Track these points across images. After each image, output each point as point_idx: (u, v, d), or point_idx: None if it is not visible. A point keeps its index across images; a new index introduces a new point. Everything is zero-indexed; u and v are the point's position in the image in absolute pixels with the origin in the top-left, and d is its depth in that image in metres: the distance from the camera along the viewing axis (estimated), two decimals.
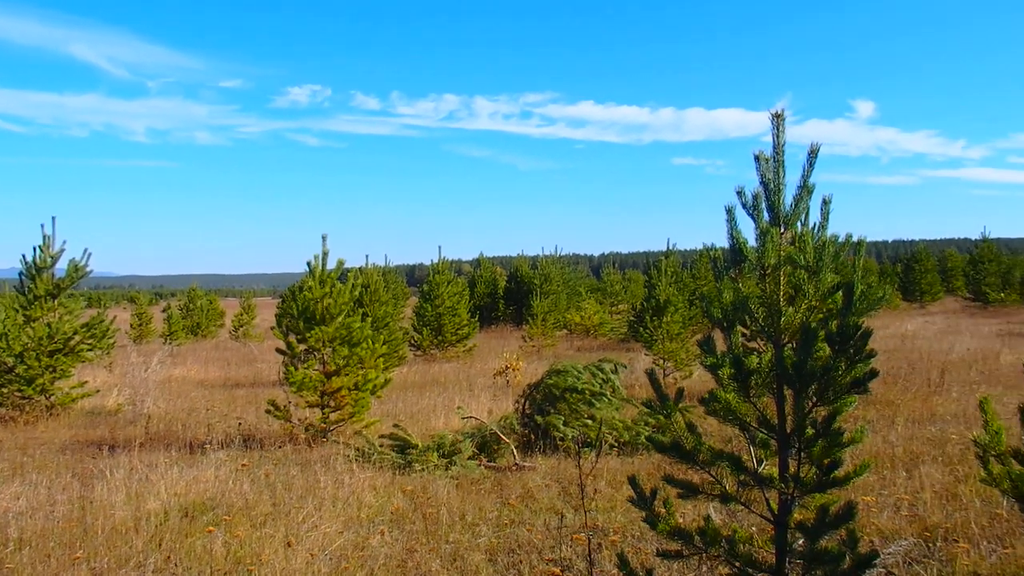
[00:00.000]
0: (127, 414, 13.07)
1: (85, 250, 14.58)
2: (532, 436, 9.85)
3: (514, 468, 8.73)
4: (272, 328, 11.61)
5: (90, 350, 14.50)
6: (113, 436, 11.27)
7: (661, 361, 16.12)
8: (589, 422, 9.66)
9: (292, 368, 10.66)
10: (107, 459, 9.25)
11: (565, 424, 9.65)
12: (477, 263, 40.45)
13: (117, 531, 6.36)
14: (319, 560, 5.76)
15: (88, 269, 14.62)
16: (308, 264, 11.14)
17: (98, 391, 14.47)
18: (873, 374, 3.44)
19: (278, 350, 11.39)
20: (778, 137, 3.58)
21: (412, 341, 23.12)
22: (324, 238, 11.26)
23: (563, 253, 38.83)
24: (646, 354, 17.37)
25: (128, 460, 8.94)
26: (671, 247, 27.02)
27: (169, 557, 5.82)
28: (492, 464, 8.98)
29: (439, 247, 24.24)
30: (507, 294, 37.19)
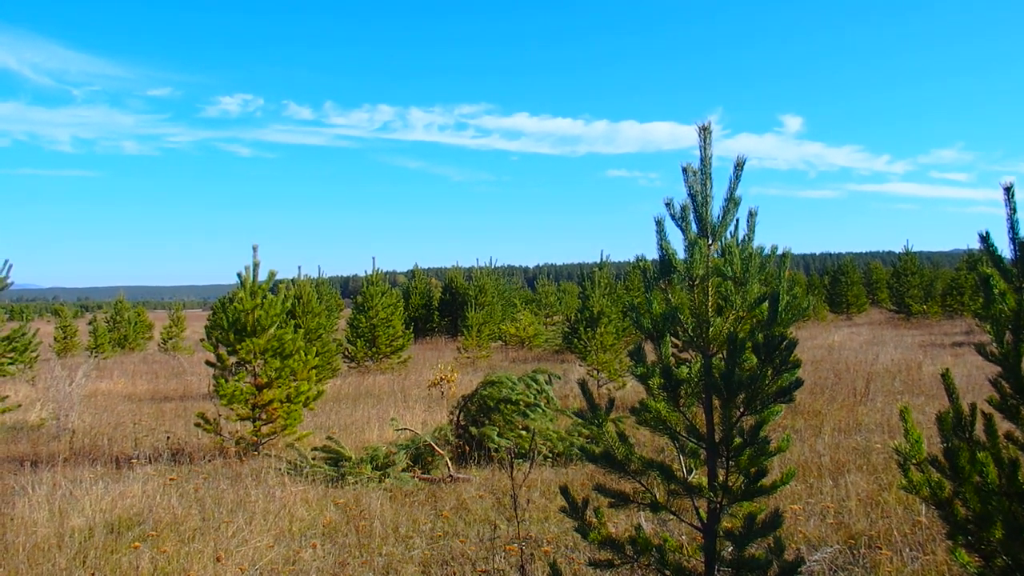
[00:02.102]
0: (50, 429, 12.69)
1: (6, 262, 14.09)
2: (467, 447, 9.83)
3: (448, 480, 8.70)
4: (202, 340, 11.39)
5: (11, 364, 14.06)
6: (36, 452, 10.93)
7: (595, 372, 16.24)
8: (523, 433, 9.68)
9: (223, 380, 10.48)
10: (29, 475, 8.95)
11: (499, 435, 9.65)
12: (412, 274, 40.22)
13: (39, 548, 6.18)
14: (249, 575, 5.66)
15: (9, 281, 14.15)
16: (239, 275, 10.95)
17: (19, 406, 13.99)
18: (798, 383, 3.52)
19: (208, 363, 11.18)
20: (705, 150, 3.65)
21: (346, 353, 22.89)
22: (255, 248, 11.09)
23: (498, 264, 38.91)
24: (580, 365, 17.49)
25: (51, 476, 8.68)
26: (605, 259, 27.34)
27: (93, 574, 5.68)
28: (426, 476, 8.93)
29: (373, 258, 24.17)
30: (442, 305, 37.08)
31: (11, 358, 13.94)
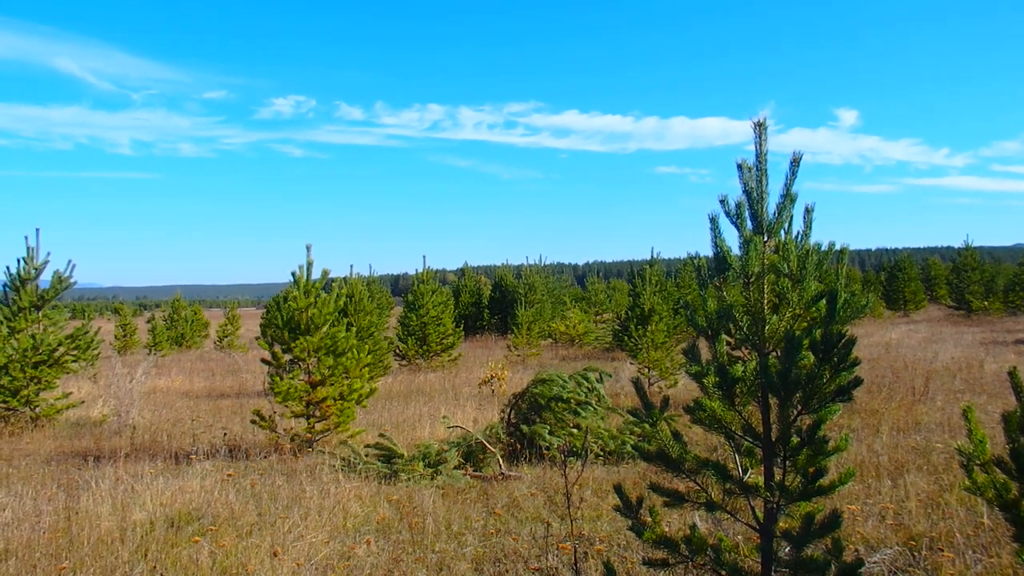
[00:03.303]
0: (112, 425, 12.98)
1: (69, 261, 14.55)
2: (518, 445, 9.83)
3: (500, 477, 8.72)
4: (257, 338, 11.59)
5: (74, 361, 14.40)
6: (98, 447, 11.19)
7: (646, 370, 16.14)
8: (575, 431, 9.66)
9: (277, 378, 10.62)
10: (92, 470, 9.19)
11: (551, 433, 9.64)
12: (461, 272, 40.38)
13: (103, 541, 6.33)
14: (305, 570, 5.73)
15: (72, 280, 14.56)
16: (293, 274, 11.10)
17: (83, 402, 14.39)
18: (857, 382, 3.46)
19: (263, 360, 11.34)
20: (760, 146, 3.60)
21: (397, 351, 23.05)
22: (308, 248, 11.23)
23: (547, 262, 38.82)
24: (631, 363, 17.39)
25: (113, 471, 8.90)
26: (655, 256, 27.10)
27: (155, 567, 5.78)
28: (478, 473, 8.96)
29: (423, 256, 24.24)
30: (492, 303, 37.15)
31: (74, 355, 14.28)
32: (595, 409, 10.13)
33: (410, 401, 14.82)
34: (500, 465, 8.95)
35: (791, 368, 3.42)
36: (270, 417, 10.67)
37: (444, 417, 11.08)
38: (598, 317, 36.30)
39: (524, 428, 9.85)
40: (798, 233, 3.91)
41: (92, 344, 14.86)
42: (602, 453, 9.46)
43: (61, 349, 13.90)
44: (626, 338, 17.54)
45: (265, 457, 10.09)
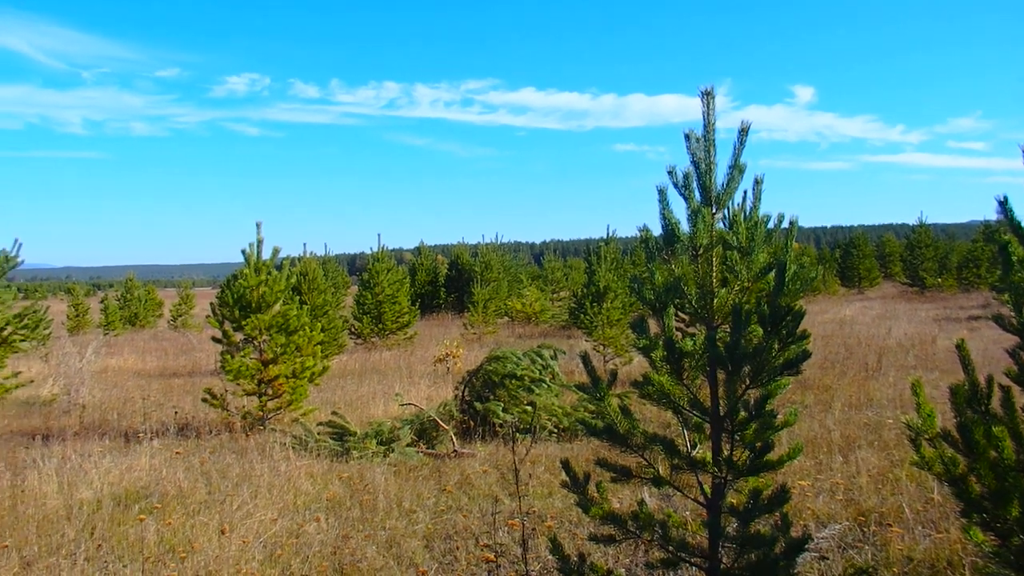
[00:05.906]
0: (62, 404, 12.78)
1: (16, 240, 14.18)
2: (471, 423, 9.76)
3: (453, 455, 8.64)
4: (208, 317, 11.36)
5: (23, 340, 14.04)
6: (47, 426, 11.04)
7: (601, 347, 16.13)
8: (528, 408, 9.60)
9: (229, 357, 10.46)
10: (40, 449, 9.04)
11: (504, 410, 9.58)
12: (418, 251, 39.92)
13: (48, 519, 6.27)
14: (253, 547, 5.63)
15: (19, 259, 14.18)
16: (243, 252, 10.92)
17: (32, 381, 14.10)
18: (805, 356, 3.40)
19: (214, 339, 11.18)
20: (708, 115, 3.51)
21: (352, 329, 22.83)
22: (259, 225, 11.03)
23: (504, 241, 38.55)
24: (586, 340, 17.38)
25: (61, 449, 8.80)
26: (611, 234, 27.09)
27: (100, 545, 5.72)
28: (431, 451, 8.88)
29: (379, 235, 23.93)
30: (448, 282, 36.91)
31: (23, 335, 13.92)
32: (549, 386, 10.09)
33: (364, 379, 14.69)
34: (453, 442, 8.87)
35: (739, 341, 3.35)
36: (221, 396, 10.53)
37: (397, 395, 10.97)
38: (555, 295, 36.21)
39: (478, 405, 9.78)
40: (747, 205, 3.85)
41: (41, 323, 14.50)
42: (556, 430, 9.42)
43: (9, 328, 13.55)
44: (582, 316, 17.47)
45: (216, 436, 9.93)
